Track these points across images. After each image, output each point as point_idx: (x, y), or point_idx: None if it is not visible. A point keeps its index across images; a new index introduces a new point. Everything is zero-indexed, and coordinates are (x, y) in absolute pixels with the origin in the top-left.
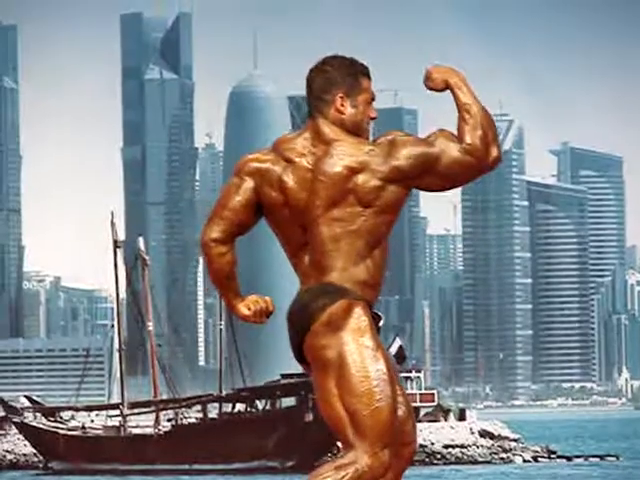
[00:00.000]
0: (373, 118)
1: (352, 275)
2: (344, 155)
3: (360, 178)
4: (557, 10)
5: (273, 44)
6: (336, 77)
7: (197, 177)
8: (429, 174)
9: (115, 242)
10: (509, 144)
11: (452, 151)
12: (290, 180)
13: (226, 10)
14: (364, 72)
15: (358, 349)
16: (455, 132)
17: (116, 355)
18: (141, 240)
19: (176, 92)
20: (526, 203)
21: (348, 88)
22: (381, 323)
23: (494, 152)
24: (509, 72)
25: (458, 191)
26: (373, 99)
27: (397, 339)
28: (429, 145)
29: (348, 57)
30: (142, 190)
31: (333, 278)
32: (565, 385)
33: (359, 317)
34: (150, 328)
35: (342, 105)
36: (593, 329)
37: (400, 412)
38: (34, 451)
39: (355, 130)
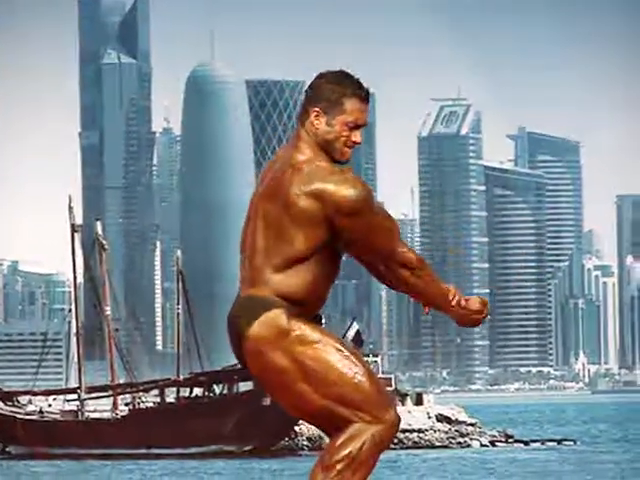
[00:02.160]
0: (356, 143)
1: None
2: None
3: None
4: None
5: (230, 28)
6: (321, 92)
7: (155, 162)
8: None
9: (73, 226)
10: (466, 129)
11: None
12: None
13: None
14: (354, 94)
15: (305, 347)
16: None
17: (74, 339)
18: (99, 224)
19: (134, 76)
20: (483, 188)
21: (327, 105)
22: (323, 321)
23: None
24: (468, 57)
25: (416, 176)
26: (359, 124)
27: (354, 324)
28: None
29: (347, 76)
30: (100, 174)
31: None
32: (522, 370)
33: (286, 321)
34: (108, 312)
35: (317, 120)
36: (550, 314)
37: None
38: None
39: (325, 147)
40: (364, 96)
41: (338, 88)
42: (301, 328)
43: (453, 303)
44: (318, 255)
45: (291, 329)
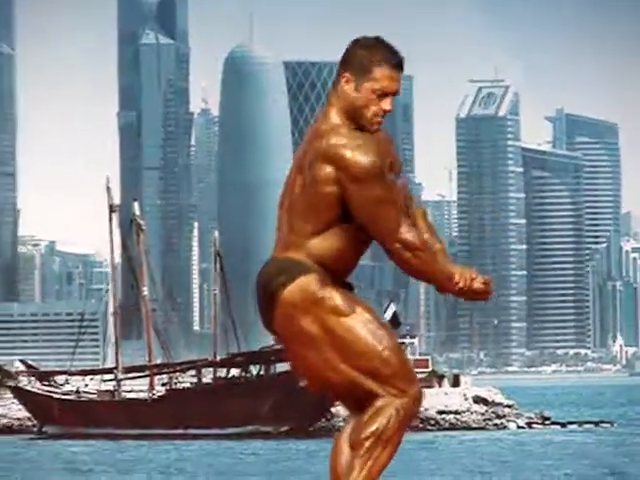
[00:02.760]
0: (385, 111)
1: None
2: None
3: None
4: None
5: (269, 9)
6: (353, 58)
7: (193, 142)
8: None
9: (110, 207)
10: (505, 110)
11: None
12: None
13: None
14: (384, 61)
15: (337, 317)
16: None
17: (111, 319)
18: (136, 205)
19: (172, 57)
20: (521, 169)
21: (357, 71)
22: (355, 291)
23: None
24: (505, 39)
25: (453, 157)
26: (387, 92)
27: (392, 305)
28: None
29: (380, 42)
30: (138, 155)
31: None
32: (559, 352)
33: (321, 288)
34: (145, 293)
35: (347, 85)
36: (588, 296)
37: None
38: (28, 415)
39: (352, 113)
40: (395, 63)
41: (369, 54)
42: (334, 297)
43: (458, 287)
44: (346, 222)
45: (324, 296)
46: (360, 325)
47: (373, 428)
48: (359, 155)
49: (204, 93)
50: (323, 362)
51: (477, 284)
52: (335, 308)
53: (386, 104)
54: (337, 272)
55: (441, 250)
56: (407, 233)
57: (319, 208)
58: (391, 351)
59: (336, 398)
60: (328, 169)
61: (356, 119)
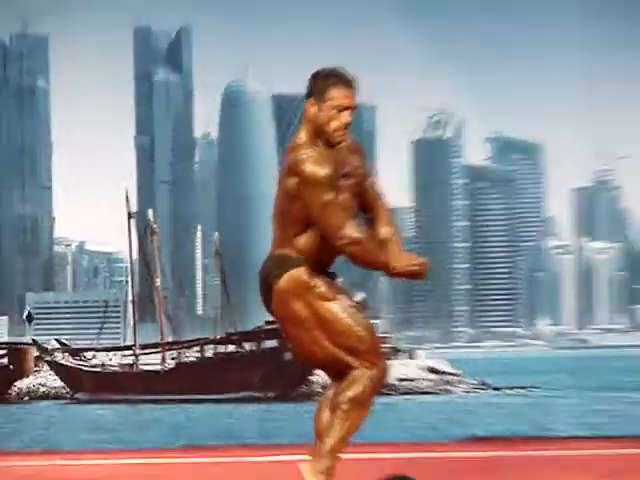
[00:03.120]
0: (346, 123)
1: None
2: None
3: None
4: (493, 12)
5: (260, 51)
6: (314, 86)
7: (196, 161)
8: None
9: (129, 214)
10: (451, 133)
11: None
12: None
13: (219, 25)
14: (338, 83)
15: (323, 301)
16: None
17: (130, 306)
18: (150, 212)
19: (179, 91)
20: (465, 181)
21: (318, 95)
22: (340, 279)
23: None
24: (451, 72)
25: (411, 172)
26: (345, 107)
27: (360, 293)
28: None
29: (333, 70)
30: (151, 171)
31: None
32: (496, 330)
33: (309, 278)
34: (158, 284)
35: (311, 108)
36: (519, 284)
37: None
38: (62, 384)
39: (319, 130)
40: (346, 83)
41: (325, 80)
42: (320, 285)
43: (397, 271)
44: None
45: (312, 284)
46: (341, 309)
47: (350, 394)
48: (312, 167)
49: (205, 121)
50: (310, 339)
51: (412, 268)
52: (321, 294)
53: (345, 117)
54: (319, 264)
55: (390, 239)
56: (348, 231)
57: (293, 213)
58: (366, 331)
59: (320, 369)
60: (293, 180)
61: (322, 134)
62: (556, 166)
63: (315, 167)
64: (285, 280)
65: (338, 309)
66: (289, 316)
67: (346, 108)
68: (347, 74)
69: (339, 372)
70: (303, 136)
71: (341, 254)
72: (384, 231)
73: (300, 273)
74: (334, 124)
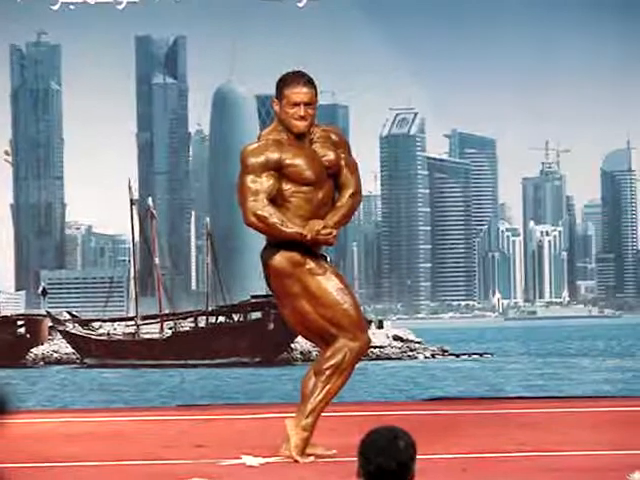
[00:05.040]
0: (300, 116)
1: None
2: None
3: None
4: (459, 10)
5: (245, 57)
6: (277, 89)
7: (190, 154)
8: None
9: (131, 200)
10: (414, 130)
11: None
12: None
13: (209, 33)
14: (292, 83)
15: (312, 277)
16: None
17: (132, 282)
18: (150, 199)
19: (175, 93)
20: (427, 172)
21: (279, 96)
22: (328, 259)
23: None
24: (417, 78)
25: (378, 164)
26: (298, 102)
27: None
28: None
29: (291, 73)
30: (151, 163)
31: None
32: (454, 303)
33: (301, 257)
34: (156, 262)
35: (276, 107)
36: (474, 263)
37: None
38: (72, 351)
39: (284, 124)
40: (298, 82)
41: (283, 83)
42: (310, 263)
43: (307, 239)
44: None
45: (303, 262)
46: (329, 285)
47: (332, 362)
48: (246, 155)
49: (198, 118)
50: (301, 312)
51: (320, 235)
52: (312, 271)
53: (300, 111)
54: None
55: (334, 208)
56: (255, 210)
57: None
58: (350, 306)
59: (310, 338)
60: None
61: (287, 128)
62: (507, 159)
63: (249, 156)
64: (278, 259)
65: (326, 285)
66: (283, 292)
67: (298, 103)
68: (301, 74)
69: (326, 342)
70: (269, 129)
71: (259, 230)
72: (337, 203)
73: (292, 253)
74: (290, 118)
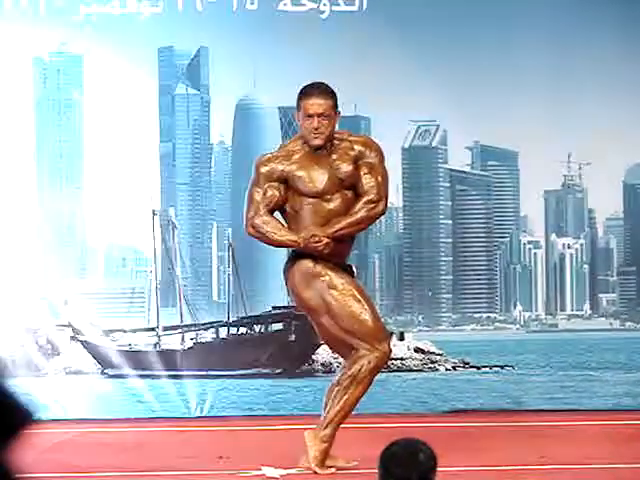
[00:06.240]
0: (314, 128)
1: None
2: None
3: None
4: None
5: (267, 68)
6: (297, 101)
7: (212, 165)
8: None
9: (153, 211)
10: (436, 142)
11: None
12: None
13: (232, 44)
14: (306, 95)
15: (332, 291)
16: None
17: (153, 292)
18: (172, 210)
19: (197, 104)
20: (448, 184)
21: (298, 108)
22: (354, 270)
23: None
24: (440, 91)
25: (400, 176)
26: (311, 114)
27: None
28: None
29: (306, 85)
30: (173, 174)
31: None
32: (476, 315)
33: (315, 266)
34: (178, 273)
35: (297, 120)
36: (496, 275)
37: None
38: (94, 361)
39: (303, 136)
40: (313, 93)
41: (300, 95)
42: (329, 274)
43: (301, 247)
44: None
45: (323, 274)
46: (347, 297)
47: (350, 372)
48: (255, 163)
49: (220, 129)
50: (322, 324)
51: (311, 244)
52: (329, 283)
53: (313, 122)
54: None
55: (343, 217)
56: (252, 220)
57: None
58: (368, 316)
59: (333, 349)
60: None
61: (304, 138)
62: (529, 171)
63: (256, 167)
64: (293, 273)
65: (344, 296)
66: (304, 305)
67: (311, 115)
68: (317, 85)
69: (347, 352)
70: (290, 140)
71: (255, 238)
72: (350, 211)
73: (306, 264)
74: (306, 131)
